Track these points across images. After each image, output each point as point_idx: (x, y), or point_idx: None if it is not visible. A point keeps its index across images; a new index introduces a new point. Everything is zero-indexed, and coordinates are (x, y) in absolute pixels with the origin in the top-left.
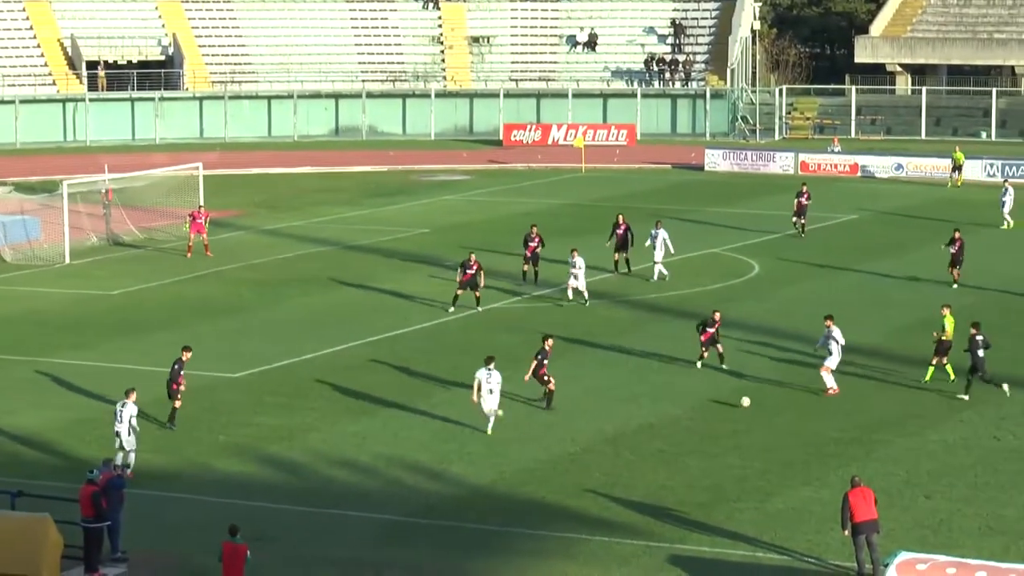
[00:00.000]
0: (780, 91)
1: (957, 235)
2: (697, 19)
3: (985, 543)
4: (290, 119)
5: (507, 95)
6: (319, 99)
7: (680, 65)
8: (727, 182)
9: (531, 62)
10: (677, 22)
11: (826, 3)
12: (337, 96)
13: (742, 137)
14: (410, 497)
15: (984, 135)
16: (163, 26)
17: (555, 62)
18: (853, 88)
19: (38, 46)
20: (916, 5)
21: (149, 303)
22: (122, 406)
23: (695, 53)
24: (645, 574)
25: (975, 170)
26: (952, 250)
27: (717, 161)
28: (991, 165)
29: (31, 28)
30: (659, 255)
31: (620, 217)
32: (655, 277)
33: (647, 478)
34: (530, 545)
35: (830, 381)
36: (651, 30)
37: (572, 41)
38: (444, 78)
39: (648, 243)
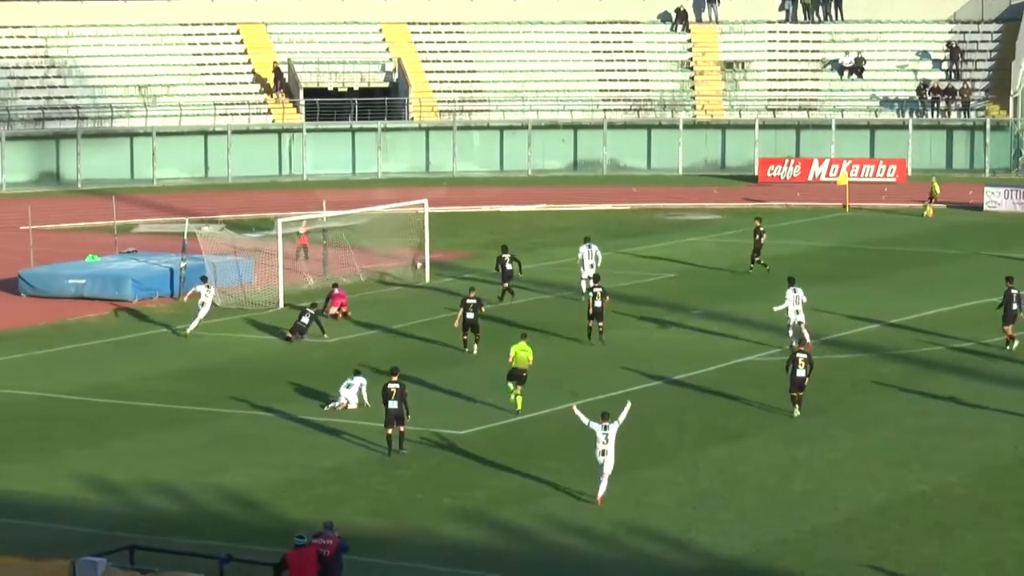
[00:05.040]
0: None
1: (1011, 287)
2: (976, 42)
3: None
4: (524, 152)
5: (763, 126)
6: (556, 130)
7: (957, 93)
8: (1009, 224)
9: (790, 89)
10: (954, 45)
11: None
12: (576, 127)
13: None
14: (653, 569)
15: None
16: (387, 50)
17: (817, 89)
18: None
19: (252, 71)
20: None
21: (369, 353)
22: (604, 428)
23: (974, 80)
24: None
25: None
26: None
27: (998, 200)
28: None
29: (245, 53)
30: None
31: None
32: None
33: (919, 552)
34: None
35: None
36: (924, 54)
37: (836, 66)
38: (694, 107)
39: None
